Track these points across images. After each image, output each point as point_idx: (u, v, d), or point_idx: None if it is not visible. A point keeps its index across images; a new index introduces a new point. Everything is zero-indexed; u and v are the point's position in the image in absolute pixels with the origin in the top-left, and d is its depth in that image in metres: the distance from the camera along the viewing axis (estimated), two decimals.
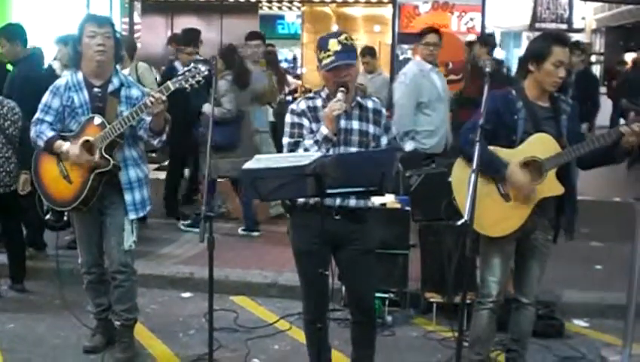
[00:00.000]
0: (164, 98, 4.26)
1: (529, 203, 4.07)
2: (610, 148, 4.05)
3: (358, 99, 3.96)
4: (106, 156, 4.42)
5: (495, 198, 4.12)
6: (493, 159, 4.06)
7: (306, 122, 3.90)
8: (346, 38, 3.82)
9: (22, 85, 6.33)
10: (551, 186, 4.08)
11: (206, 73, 4.28)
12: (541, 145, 4.07)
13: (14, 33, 6.64)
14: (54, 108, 4.56)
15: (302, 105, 3.95)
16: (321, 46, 3.82)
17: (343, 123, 3.85)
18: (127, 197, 4.58)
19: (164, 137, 4.58)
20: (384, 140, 4.00)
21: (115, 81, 4.56)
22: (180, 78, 4.33)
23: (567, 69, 4.11)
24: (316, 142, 3.76)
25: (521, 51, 16.84)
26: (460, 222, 3.33)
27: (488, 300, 4.28)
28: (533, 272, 4.31)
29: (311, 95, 4.01)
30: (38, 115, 4.60)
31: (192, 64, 4.39)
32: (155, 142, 4.59)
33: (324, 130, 3.76)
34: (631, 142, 3.96)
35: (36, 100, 4.70)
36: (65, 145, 4.48)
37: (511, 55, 20.34)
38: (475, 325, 4.37)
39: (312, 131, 3.85)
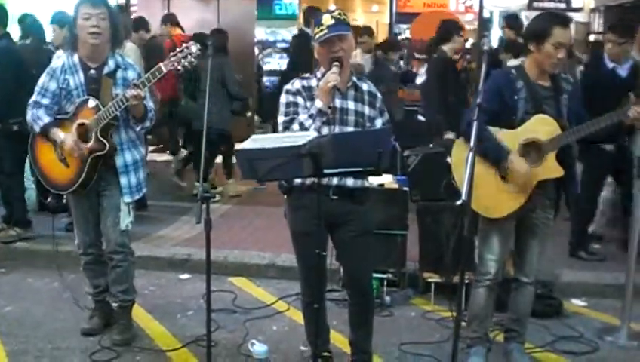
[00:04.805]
0: (142, 94, 4.27)
1: (524, 191, 4.05)
2: (613, 128, 4.05)
3: (354, 79, 3.95)
4: (102, 139, 4.41)
5: (494, 179, 4.11)
6: (494, 145, 4.04)
7: (300, 100, 3.89)
8: (339, 14, 3.85)
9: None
10: (550, 168, 4.07)
11: (198, 54, 4.26)
12: (541, 126, 4.05)
13: None
14: (51, 91, 4.53)
15: (297, 84, 3.95)
16: (316, 22, 3.87)
17: (338, 102, 3.85)
18: (123, 180, 4.57)
19: (147, 124, 4.58)
20: (379, 122, 3.98)
21: (111, 63, 4.52)
22: (172, 59, 4.31)
23: (566, 50, 4.08)
24: (311, 116, 3.75)
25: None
26: (458, 202, 3.31)
27: (486, 278, 4.28)
28: (533, 251, 4.31)
29: (306, 75, 4.01)
30: (35, 97, 4.57)
31: (184, 45, 4.37)
32: (138, 129, 4.58)
33: (319, 103, 3.74)
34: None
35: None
36: (61, 135, 4.47)
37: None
38: (473, 302, 4.38)
39: (307, 109, 3.84)
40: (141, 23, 9.37)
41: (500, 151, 4.04)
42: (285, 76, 9.50)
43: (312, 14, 9.47)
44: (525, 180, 4.02)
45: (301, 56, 9.30)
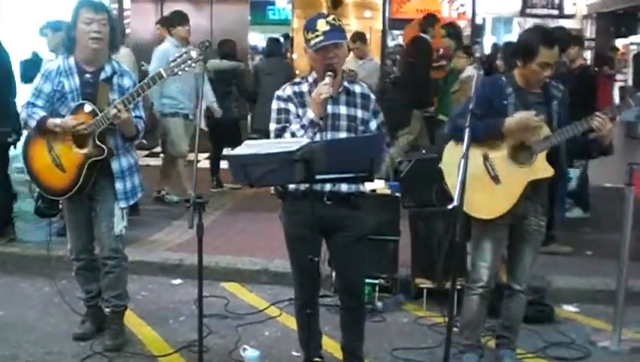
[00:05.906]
0: (121, 115, 4.30)
1: (538, 130, 4.04)
2: (586, 143, 4.09)
3: (345, 84, 3.95)
4: (100, 144, 4.40)
5: (485, 181, 4.13)
6: (488, 122, 4.05)
7: (292, 107, 3.88)
8: (334, 19, 3.81)
9: None
10: (542, 168, 4.09)
11: (198, 59, 4.28)
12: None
13: None
14: (46, 93, 4.51)
15: (288, 90, 3.93)
16: (309, 27, 3.79)
17: (330, 108, 3.83)
18: (119, 185, 4.56)
19: (136, 141, 4.67)
20: (373, 124, 3.98)
21: (108, 69, 4.51)
22: (172, 64, 4.34)
23: (552, 68, 4.11)
24: (303, 126, 3.75)
25: (511, 37, 16.82)
26: (450, 207, 3.32)
27: (478, 285, 4.29)
28: (526, 258, 4.32)
29: (297, 80, 4.00)
30: (29, 98, 4.55)
31: (184, 50, 4.39)
32: (126, 144, 4.63)
33: (311, 114, 3.74)
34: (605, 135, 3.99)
35: None
36: (58, 120, 4.42)
37: (501, 41, 20.34)
38: (465, 310, 4.39)
39: (298, 117, 3.83)
40: (177, 17, 8.29)
41: (493, 123, 4.05)
42: (401, 80, 9.58)
43: (430, 23, 9.52)
44: (531, 122, 4.01)
45: (420, 60, 9.44)
